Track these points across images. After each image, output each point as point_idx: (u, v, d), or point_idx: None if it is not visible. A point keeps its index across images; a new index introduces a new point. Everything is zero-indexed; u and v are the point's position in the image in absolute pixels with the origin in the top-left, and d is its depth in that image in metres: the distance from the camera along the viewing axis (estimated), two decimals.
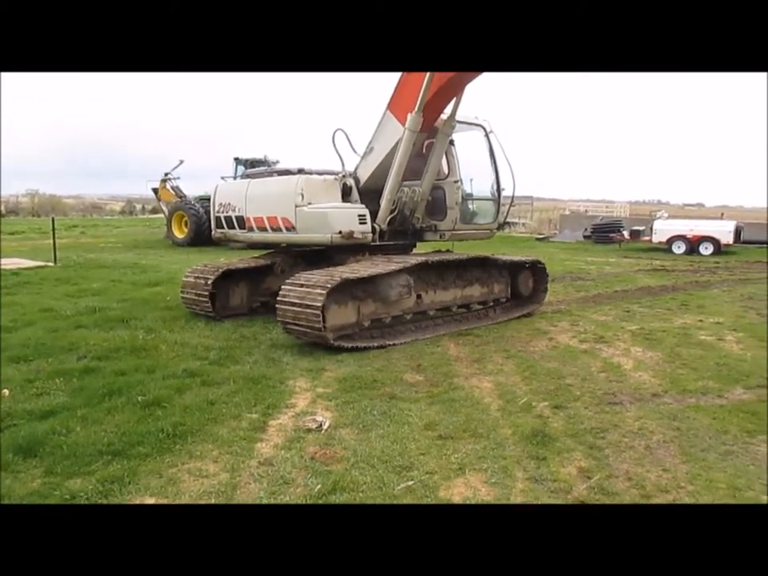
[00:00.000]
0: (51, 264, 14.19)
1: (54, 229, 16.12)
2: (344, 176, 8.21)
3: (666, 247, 21.11)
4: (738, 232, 20.72)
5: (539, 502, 3.51)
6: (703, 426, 4.69)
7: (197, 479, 3.77)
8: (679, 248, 20.80)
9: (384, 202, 7.95)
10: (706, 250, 20.35)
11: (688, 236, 20.79)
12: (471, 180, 8.86)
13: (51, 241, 15.53)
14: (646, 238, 22.12)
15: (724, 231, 20.59)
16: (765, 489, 3.68)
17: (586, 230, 25.96)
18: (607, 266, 16.60)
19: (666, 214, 26.39)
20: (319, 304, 6.34)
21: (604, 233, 24.18)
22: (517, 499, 3.55)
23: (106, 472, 3.79)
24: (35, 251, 17.27)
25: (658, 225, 21.90)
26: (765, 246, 22.08)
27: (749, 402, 5.23)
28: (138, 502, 3.49)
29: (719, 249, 20.24)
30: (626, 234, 23.08)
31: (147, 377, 5.66)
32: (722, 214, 32.58)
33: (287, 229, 7.93)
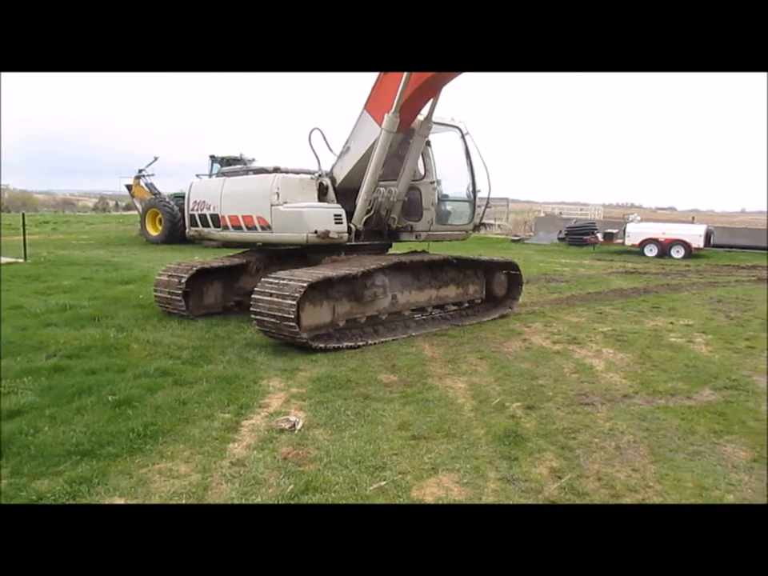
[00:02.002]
0: (21, 261, 13.92)
1: (24, 225, 15.83)
2: (320, 175, 8.17)
3: (638, 250, 21.41)
4: (708, 236, 21.09)
5: (511, 502, 3.54)
6: (672, 426, 4.77)
7: (167, 480, 3.73)
8: (651, 251, 21.10)
9: (360, 202, 7.93)
10: (678, 253, 20.68)
11: (660, 239, 21.10)
12: (442, 181, 8.87)
13: (21, 237, 15.25)
14: (619, 241, 22.43)
15: (695, 235, 20.93)
16: (730, 488, 3.75)
17: (560, 232, 26.19)
18: (581, 267, 16.79)
19: (638, 217, 26.74)
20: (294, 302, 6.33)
21: (578, 235, 24.44)
22: (488, 499, 3.57)
23: (75, 473, 3.73)
24: (5, 247, 16.92)
25: (630, 228, 22.20)
26: (735, 250, 22.57)
27: (716, 403, 5.33)
28: (107, 503, 3.44)
29: (690, 252, 20.57)
30: (599, 236, 23.36)
31: (118, 376, 5.58)
32: (693, 218, 33.17)
33: (262, 228, 7.87)
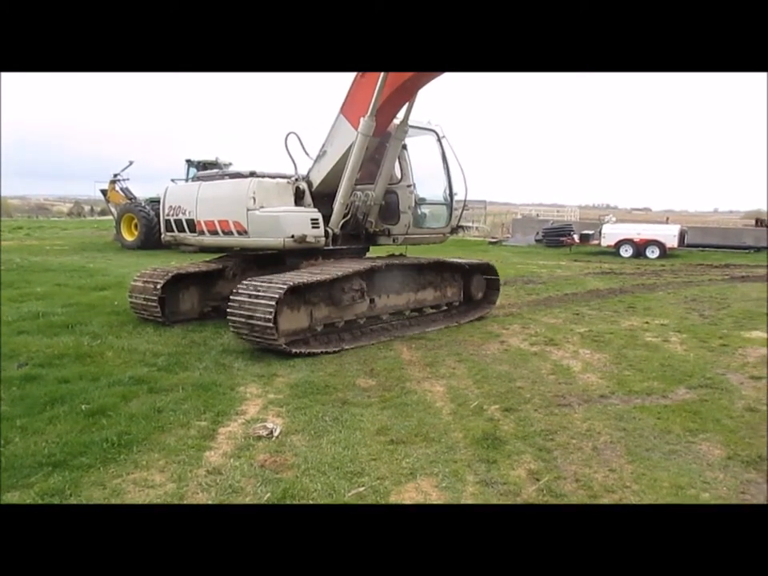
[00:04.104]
0: None
1: None
2: (297, 179, 8.15)
3: (614, 250, 21.64)
4: (682, 236, 21.40)
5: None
6: (648, 426, 4.81)
7: (142, 490, 3.67)
8: (627, 251, 21.35)
9: (337, 206, 7.91)
10: (652, 253, 20.93)
11: (635, 240, 21.36)
12: (419, 184, 8.87)
13: None
14: (595, 242, 22.64)
15: (669, 235, 21.22)
16: (705, 486, 3.79)
17: (537, 233, 26.38)
18: (558, 269, 16.92)
19: (614, 218, 27.05)
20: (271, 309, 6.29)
21: (555, 236, 24.63)
22: (467, 503, 3.56)
23: (46, 484, 3.66)
24: None
25: (606, 229, 22.45)
26: (709, 249, 22.95)
27: (691, 402, 5.39)
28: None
29: (665, 252, 20.83)
30: (576, 237, 23.56)
31: (92, 384, 5.49)
32: (668, 219, 33.64)
33: (239, 233, 7.82)
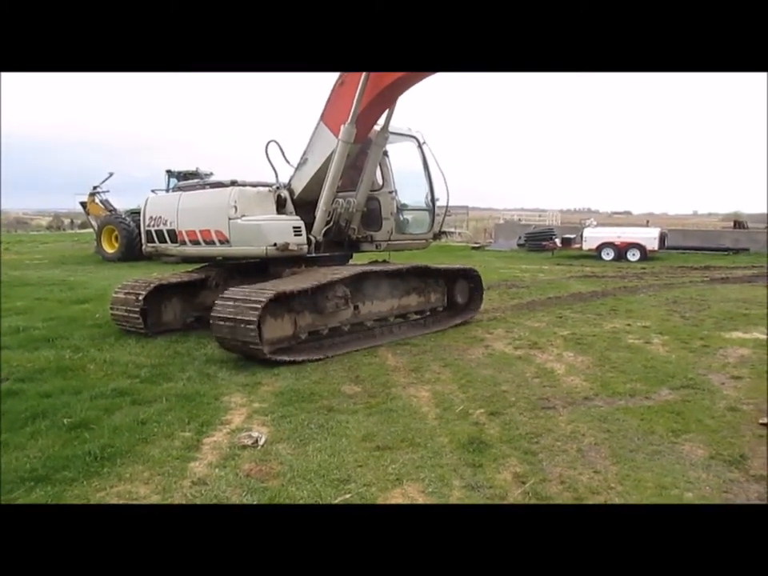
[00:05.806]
0: None
1: None
2: (278, 188, 8.14)
3: (595, 254, 21.82)
4: (662, 238, 21.62)
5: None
6: (632, 427, 4.85)
7: (126, 502, 3.63)
8: (608, 254, 21.53)
9: (319, 214, 7.92)
10: (633, 256, 21.12)
11: (616, 243, 21.54)
12: (400, 190, 8.89)
13: None
14: (577, 246, 22.80)
15: (650, 238, 21.43)
16: (689, 486, 3.82)
17: (519, 238, 26.53)
18: (540, 273, 17.02)
19: (595, 222, 27.27)
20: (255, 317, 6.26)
21: (537, 241, 24.77)
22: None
23: (29, 499, 3.60)
24: None
25: (587, 232, 22.62)
26: (689, 252, 23.23)
27: (674, 403, 5.44)
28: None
29: (645, 255, 21.02)
30: (557, 241, 23.68)
31: (74, 398, 5.43)
32: (648, 222, 34.00)
33: (221, 242, 7.80)
